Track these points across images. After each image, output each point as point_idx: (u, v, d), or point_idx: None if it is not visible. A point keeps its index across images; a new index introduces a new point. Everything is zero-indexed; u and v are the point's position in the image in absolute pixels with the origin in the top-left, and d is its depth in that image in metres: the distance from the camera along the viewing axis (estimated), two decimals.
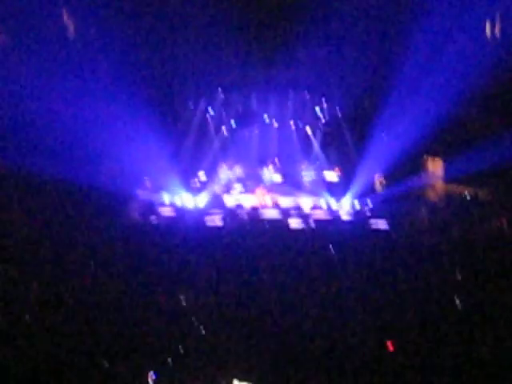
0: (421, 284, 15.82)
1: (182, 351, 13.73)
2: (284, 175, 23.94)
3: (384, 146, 21.47)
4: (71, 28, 20.90)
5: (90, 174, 20.13)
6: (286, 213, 21.78)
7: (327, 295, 15.66)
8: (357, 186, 22.30)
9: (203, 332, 14.50)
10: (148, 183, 22.68)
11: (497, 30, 19.61)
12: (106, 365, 12.93)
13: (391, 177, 22.05)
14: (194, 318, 14.81)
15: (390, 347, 13.35)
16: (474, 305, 14.51)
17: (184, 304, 15.60)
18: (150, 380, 12.98)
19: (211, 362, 13.45)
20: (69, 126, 19.89)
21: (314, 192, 23.11)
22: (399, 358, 13.02)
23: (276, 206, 22.54)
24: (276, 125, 24.38)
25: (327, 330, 13.96)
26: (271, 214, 21.95)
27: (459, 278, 16.10)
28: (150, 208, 21.88)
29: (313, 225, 20.94)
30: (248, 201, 22.84)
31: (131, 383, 12.81)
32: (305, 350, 13.53)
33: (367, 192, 22.19)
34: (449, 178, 21.28)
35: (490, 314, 13.89)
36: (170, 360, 13.44)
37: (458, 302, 14.75)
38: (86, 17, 20.62)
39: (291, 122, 24.37)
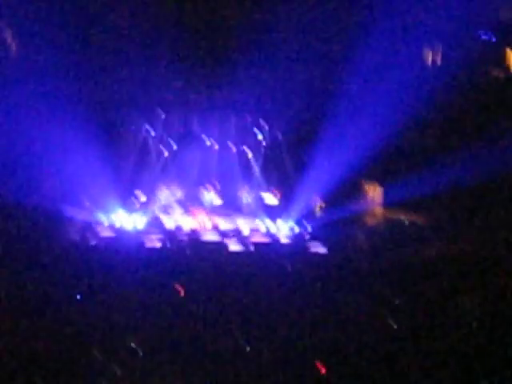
0: (359, 307, 15.95)
1: (119, 373, 13.61)
2: (224, 197, 23.92)
3: (323, 170, 21.64)
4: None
5: (26, 193, 19.82)
6: (225, 235, 21.80)
7: (266, 318, 15.68)
8: (296, 209, 22.43)
9: (140, 354, 14.40)
10: (86, 203, 22.40)
11: (437, 57, 20.03)
12: None
13: (330, 201, 22.23)
14: (129, 340, 14.69)
15: (323, 369, 13.43)
16: (410, 328, 14.70)
17: (123, 326, 15.45)
18: None
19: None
20: (2, 145, 19.58)
21: (253, 214, 23.16)
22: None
23: (215, 228, 22.52)
24: (216, 147, 24.34)
25: (264, 353, 13.98)
26: (210, 236, 21.93)
27: (396, 301, 16.29)
28: (88, 228, 21.63)
29: (251, 248, 21.00)
30: (187, 223, 22.75)
31: None
32: (245, 375, 13.53)
33: (306, 215, 22.34)
34: (387, 203, 21.55)
35: (426, 335, 14.10)
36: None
37: (394, 325, 14.92)
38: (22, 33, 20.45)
39: (231, 144, 24.37)
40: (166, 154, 24.36)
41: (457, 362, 13.11)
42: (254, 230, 22.26)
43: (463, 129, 19.80)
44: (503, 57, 19.44)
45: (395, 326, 14.84)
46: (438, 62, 20.07)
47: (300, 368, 13.45)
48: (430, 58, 20.26)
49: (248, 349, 14.31)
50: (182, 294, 16.81)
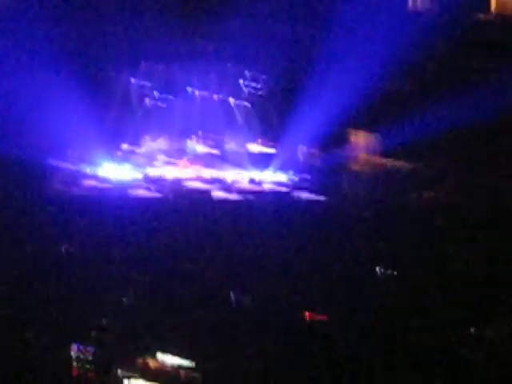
0: (343, 253, 16.09)
1: (105, 324, 13.69)
2: (207, 147, 23.84)
3: (308, 118, 21.59)
4: None
5: (12, 145, 19.71)
6: (209, 184, 21.78)
7: (250, 265, 15.78)
8: (280, 157, 22.40)
9: (127, 304, 14.47)
10: (71, 154, 22.29)
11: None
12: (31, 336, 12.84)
13: (314, 149, 22.22)
14: (117, 291, 14.76)
15: (308, 317, 13.57)
16: (397, 274, 14.86)
17: (108, 275, 15.51)
18: (72, 352, 12.94)
19: (136, 334, 13.46)
20: None
21: (237, 163, 23.11)
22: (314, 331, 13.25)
23: (199, 177, 22.49)
24: (200, 96, 24.17)
25: (249, 300, 14.11)
26: (194, 185, 21.92)
27: (379, 247, 16.46)
28: (73, 179, 21.55)
29: (236, 195, 21.03)
30: (171, 172, 22.70)
31: (54, 355, 12.75)
32: (227, 323, 13.64)
33: (290, 164, 22.34)
34: (372, 150, 21.58)
35: (413, 282, 14.27)
36: (93, 332, 13.41)
37: (379, 270, 15.06)
38: None
39: (215, 94, 24.21)
40: (150, 103, 24.18)
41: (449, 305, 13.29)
42: (241, 180, 22.24)
43: (448, 75, 19.76)
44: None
45: (380, 271, 15.00)
46: (424, 6, 19.92)
47: (287, 316, 13.61)
48: (411, 4, 20.10)
49: (233, 297, 14.44)
50: (166, 242, 16.89)
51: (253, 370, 12.54)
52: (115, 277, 15.55)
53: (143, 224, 18.09)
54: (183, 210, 19.37)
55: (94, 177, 22.06)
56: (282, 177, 22.19)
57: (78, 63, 21.99)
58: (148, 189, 21.36)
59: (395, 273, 14.84)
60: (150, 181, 22.13)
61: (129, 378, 13.07)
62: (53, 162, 21.13)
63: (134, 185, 21.47)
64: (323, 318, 13.46)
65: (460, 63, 19.76)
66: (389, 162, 20.97)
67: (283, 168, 22.27)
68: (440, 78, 20.00)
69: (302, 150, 22.78)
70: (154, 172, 22.73)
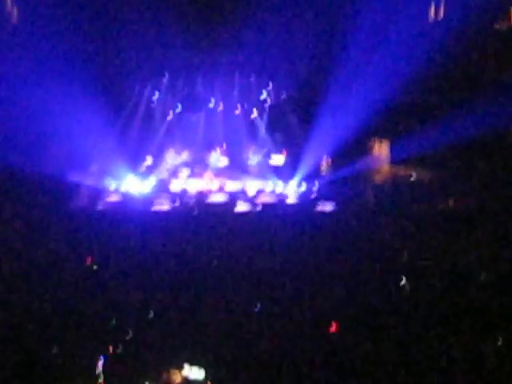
0: (367, 265, 16.02)
1: (131, 336, 13.72)
2: (231, 159, 23.89)
3: (331, 129, 21.60)
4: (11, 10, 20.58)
5: (36, 160, 19.87)
6: (232, 197, 21.81)
7: (274, 279, 15.75)
8: (303, 169, 22.40)
9: (152, 317, 14.50)
10: (94, 169, 22.44)
11: (440, 11, 19.83)
12: (56, 350, 12.88)
13: (338, 160, 22.21)
14: (142, 305, 14.79)
15: (334, 328, 13.50)
16: (419, 285, 14.75)
17: (133, 289, 15.55)
18: (99, 364, 12.96)
19: (162, 346, 13.47)
20: (12, 112, 19.63)
21: (260, 176, 23.16)
22: (342, 341, 13.16)
23: (223, 190, 22.53)
24: (223, 109, 24.27)
25: (273, 313, 14.07)
26: (218, 198, 21.96)
27: (405, 259, 16.35)
28: (97, 194, 21.67)
29: (259, 208, 21.03)
30: (195, 185, 22.78)
31: (80, 368, 12.78)
32: (253, 335, 13.61)
33: (314, 175, 22.33)
34: (395, 160, 21.53)
35: (434, 295, 14.15)
36: (119, 345, 13.44)
37: (404, 282, 14.97)
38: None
39: (238, 106, 24.30)
40: (172, 116, 24.30)
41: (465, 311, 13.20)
42: (261, 191, 22.25)
43: (468, 84, 19.67)
44: (507, 10, 19.21)
45: (402, 282, 14.91)
46: (442, 15, 19.84)
47: (309, 326, 13.54)
48: (433, 13, 20.03)
49: (256, 307, 14.40)
50: (190, 255, 16.92)
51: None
52: (139, 290, 15.57)
53: (166, 237, 18.15)
54: (207, 223, 19.41)
55: (117, 191, 22.18)
56: (304, 189, 22.17)
57: (101, 76, 22.16)
58: (171, 202, 21.44)
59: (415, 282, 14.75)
60: (172, 194, 22.20)
61: None
62: (77, 177, 21.25)
63: (157, 199, 21.54)
64: (335, 328, 13.39)
65: (480, 72, 19.63)
66: (410, 171, 20.91)
67: (307, 179, 22.27)
68: (461, 87, 19.89)
69: (323, 162, 22.78)
70: (178, 185, 22.82)
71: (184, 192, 22.38)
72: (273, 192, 22.24)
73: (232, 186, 22.59)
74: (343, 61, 20.83)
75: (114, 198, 21.77)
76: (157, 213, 20.79)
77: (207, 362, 13.01)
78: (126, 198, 21.84)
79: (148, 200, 21.47)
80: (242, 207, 20.99)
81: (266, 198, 21.73)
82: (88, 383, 12.83)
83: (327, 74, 21.40)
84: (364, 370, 12.34)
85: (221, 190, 22.50)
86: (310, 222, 18.76)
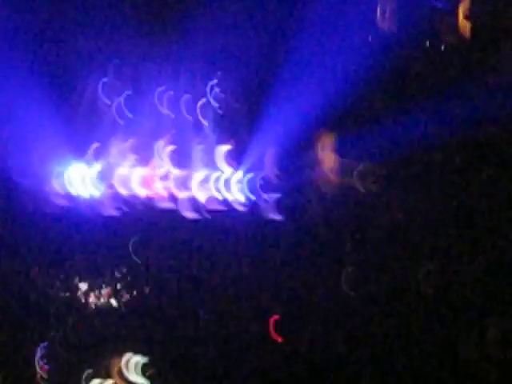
0: (317, 273, 16.10)
1: (74, 327, 13.66)
2: (177, 148, 23.76)
3: (278, 120, 21.62)
4: None
5: None
6: (180, 204, 21.73)
7: (222, 286, 15.76)
8: (250, 159, 22.39)
9: (100, 326, 14.47)
10: (38, 156, 22.10)
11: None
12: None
13: (285, 151, 22.25)
14: (89, 312, 14.72)
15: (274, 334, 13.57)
16: (367, 294, 14.88)
17: (80, 296, 15.47)
18: (39, 353, 12.89)
19: (104, 337, 13.44)
20: None
21: (207, 165, 23.09)
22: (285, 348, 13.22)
23: (170, 197, 22.39)
24: (170, 96, 24.10)
25: (220, 321, 14.08)
26: (165, 205, 21.88)
27: (352, 268, 16.47)
28: (42, 196, 21.27)
29: (206, 215, 20.98)
30: (141, 191, 22.60)
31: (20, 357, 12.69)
32: (198, 344, 13.63)
33: (260, 166, 22.34)
34: (341, 169, 21.57)
35: (380, 302, 14.29)
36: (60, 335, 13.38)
37: (350, 291, 15.08)
38: None
39: (185, 94, 24.14)
40: (118, 103, 24.05)
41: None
42: (210, 199, 22.18)
43: (415, 85, 19.86)
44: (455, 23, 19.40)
45: (351, 292, 15.04)
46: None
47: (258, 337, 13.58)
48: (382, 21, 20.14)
49: (204, 316, 14.43)
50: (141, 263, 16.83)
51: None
52: (88, 296, 15.50)
53: (115, 244, 18.02)
54: (155, 229, 19.31)
55: (65, 195, 21.82)
56: (250, 196, 22.10)
57: (47, 62, 21.82)
58: (120, 207, 21.27)
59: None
60: (121, 199, 21.97)
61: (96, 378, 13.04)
62: (18, 174, 20.81)
63: (105, 202, 21.32)
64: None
65: (427, 73, 19.84)
66: (356, 182, 20.97)
67: (253, 170, 22.27)
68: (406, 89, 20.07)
69: (271, 152, 22.78)
70: (123, 172, 22.62)
71: (132, 198, 22.19)
72: (222, 200, 22.17)
73: (180, 193, 22.44)
74: (294, 51, 20.85)
75: (61, 202, 21.45)
76: (105, 218, 20.54)
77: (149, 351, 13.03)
78: (74, 202, 21.53)
79: (96, 205, 21.22)
80: (190, 214, 20.93)
81: (214, 205, 21.71)
82: (28, 370, 12.77)
83: (277, 65, 21.41)
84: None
85: (171, 196, 22.37)
86: (259, 230, 18.74)
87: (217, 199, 22.03)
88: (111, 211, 20.57)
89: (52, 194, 21.33)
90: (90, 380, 12.89)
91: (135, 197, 22.17)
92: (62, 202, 21.02)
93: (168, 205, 21.62)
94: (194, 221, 20.29)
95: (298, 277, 15.62)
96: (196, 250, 17.31)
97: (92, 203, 20.98)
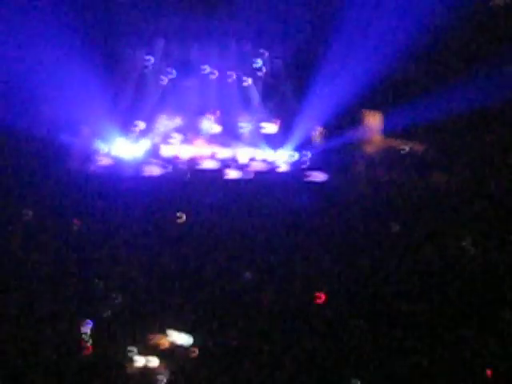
0: (357, 237, 15.98)
1: (119, 301, 13.69)
2: (223, 127, 23.78)
3: (324, 99, 21.48)
4: None
5: (24, 121, 19.67)
6: (224, 163, 21.74)
7: (262, 246, 15.71)
8: (296, 138, 22.34)
9: (140, 283, 14.47)
10: (85, 132, 22.27)
11: None
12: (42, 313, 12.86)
13: (331, 130, 22.13)
14: (129, 271, 14.74)
15: (321, 299, 13.46)
16: (409, 259, 14.72)
17: (120, 256, 15.50)
18: (85, 329, 12.94)
19: (146, 312, 13.45)
20: None
21: (252, 143, 23.10)
22: (330, 313, 13.12)
23: (214, 156, 22.46)
24: (216, 75, 24.07)
25: (261, 283, 14.04)
26: (209, 164, 21.87)
27: (396, 230, 16.33)
28: (88, 157, 21.54)
29: (250, 175, 20.96)
30: (187, 151, 22.69)
31: (66, 334, 12.74)
32: (242, 303, 13.58)
33: (306, 144, 22.27)
34: (388, 132, 21.45)
35: (423, 267, 14.11)
36: (107, 309, 13.42)
37: (394, 255, 14.94)
38: None
39: (232, 73, 24.11)
40: (165, 82, 24.10)
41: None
42: (252, 159, 22.18)
43: (464, 56, 19.54)
44: None
45: (393, 256, 14.89)
46: None
47: (300, 299, 13.50)
48: None
49: (247, 277, 14.39)
50: (182, 221, 16.87)
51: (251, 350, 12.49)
52: (126, 255, 15.51)
53: (157, 203, 18.09)
54: (198, 188, 19.37)
55: (108, 154, 22.04)
56: (295, 157, 22.10)
57: (93, 38, 21.91)
58: (163, 167, 21.34)
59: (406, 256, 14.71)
60: (165, 160, 22.10)
61: (137, 354, 13.06)
62: (67, 139, 21.09)
63: (148, 163, 21.42)
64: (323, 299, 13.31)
65: (472, 48, 19.50)
66: (402, 144, 20.83)
67: (298, 149, 22.21)
68: (456, 60, 19.75)
69: (315, 131, 22.69)
70: (169, 151, 22.72)
71: (176, 158, 22.28)
72: (264, 160, 22.17)
73: (224, 153, 22.53)
74: (338, 31, 20.65)
75: (105, 161, 21.63)
76: (148, 178, 20.69)
77: (195, 328, 13.01)
78: (117, 162, 21.72)
79: (140, 164, 21.36)
80: (233, 174, 20.93)
81: (257, 166, 21.67)
82: (74, 347, 12.82)
83: (322, 44, 21.28)
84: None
85: (213, 156, 22.43)
86: (301, 192, 18.75)
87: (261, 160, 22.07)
88: (156, 171, 20.67)
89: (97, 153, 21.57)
90: (133, 358, 12.88)
91: (178, 157, 22.25)
92: (107, 162, 21.21)
93: (212, 165, 21.67)
94: (237, 180, 20.32)
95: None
96: (239, 210, 17.30)
97: (136, 163, 21.08)
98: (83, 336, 13.06)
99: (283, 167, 21.74)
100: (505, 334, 12.47)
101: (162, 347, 13.36)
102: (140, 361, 12.99)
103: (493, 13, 19.29)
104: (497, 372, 11.76)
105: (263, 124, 23.58)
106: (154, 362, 13.06)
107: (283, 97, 23.59)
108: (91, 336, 13.03)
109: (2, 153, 19.58)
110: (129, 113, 23.29)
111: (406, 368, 12.04)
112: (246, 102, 24.10)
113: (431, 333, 12.61)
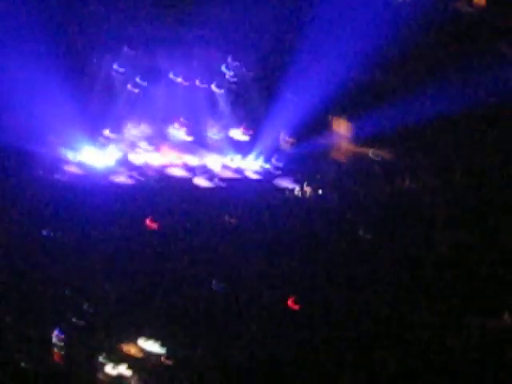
0: (325, 241, 16.06)
1: (89, 310, 13.62)
2: (190, 133, 23.75)
3: (290, 106, 21.57)
4: None
5: None
6: (193, 171, 21.67)
7: (234, 253, 15.72)
8: (263, 144, 22.39)
9: (109, 290, 14.41)
10: (53, 140, 22.10)
11: None
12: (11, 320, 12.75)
13: (297, 136, 22.23)
14: (99, 277, 14.67)
15: (291, 304, 13.51)
16: (377, 264, 14.83)
17: (90, 264, 15.41)
18: (54, 338, 12.86)
19: (119, 320, 13.41)
20: None
21: (220, 150, 23.10)
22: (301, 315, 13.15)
23: (183, 164, 22.40)
24: (183, 83, 24.05)
25: (231, 286, 14.03)
26: (178, 172, 21.80)
27: (361, 233, 16.47)
28: (55, 166, 21.37)
29: (220, 183, 20.91)
30: (154, 159, 22.62)
31: (36, 341, 12.66)
32: (211, 311, 13.57)
33: (275, 151, 22.33)
34: (354, 138, 21.59)
35: (387, 266, 14.23)
36: (75, 319, 13.34)
37: (363, 259, 15.04)
38: None
39: (198, 80, 24.11)
40: (133, 90, 24.02)
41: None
42: (223, 167, 22.14)
43: (428, 63, 19.81)
44: None
45: (362, 258, 15.00)
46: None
47: (272, 304, 13.52)
48: None
49: (217, 285, 14.37)
50: (152, 228, 16.83)
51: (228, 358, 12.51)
52: (97, 264, 15.44)
53: (127, 211, 18.03)
54: (167, 196, 19.32)
55: (77, 163, 21.87)
56: (263, 164, 22.13)
57: (60, 49, 21.80)
58: (130, 176, 21.22)
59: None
60: (132, 167, 21.98)
61: (110, 363, 13.01)
62: (34, 148, 20.89)
63: (116, 171, 21.28)
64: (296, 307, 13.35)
65: (440, 53, 19.78)
66: (368, 151, 20.99)
67: (265, 155, 22.26)
68: (423, 67, 20.01)
69: (283, 138, 22.76)
70: (135, 158, 22.63)
71: (145, 166, 22.19)
72: (233, 168, 22.14)
73: (192, 160, 22.48)
74: (305, 37, 20.78)
75: (73, 169, 21.46)
76: (116, 185, 20.56)
77: (165, 336, 13.00)
78: (86, 170, 21.55)
79: (106, 172, 21.22)
80: (203, 182, 20.86)
81: (227, 174, 21.64)
82: (44, 354, 12.75)
83: (288, 51, 21.39)
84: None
85: (182, 164, 22.36)
86: (270, 199, 18.80)
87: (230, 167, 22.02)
88: (124, 179, 20.51)
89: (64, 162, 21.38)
90: (104, 364, 12.83)
91: (148, 165, 22.15)
92: (75, 170, 21.01)
93: (181, 173, 21.58)
94: (207, 189, 20.24)
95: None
96: (209, 218, 17.28)
97: (105, 171, 20.91)
98: (55, 344, 12.98)
99: (253, 175, 21.72)
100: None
101: (133, 356, 13.32)
102: (111, 369, 12.92)
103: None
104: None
105: (232, 131, 23.62)
106: (125, 370, 13.02)
107: (252, 104, 23.64)
108: (61, 345, 12.95)
109: None
110: (96, 121, 23.18)
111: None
112: (214, 110, 24.13)
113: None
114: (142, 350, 13.31)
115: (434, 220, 16.16)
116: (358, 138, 21.20)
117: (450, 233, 15.21)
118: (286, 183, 20.38)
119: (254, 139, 22.71)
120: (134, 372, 12.88)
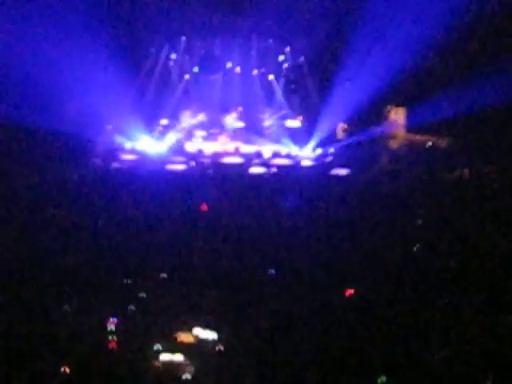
0: (380, 230, 15.92)
1: (144, 297, 13.74)
2: (247, 122, 23.86)
3: (348, 95, 21.47)
4: None
5: (52, 119, 19.81)
6: (248, 159, 21.77)
7: (286, 240, 15.68)
8: (319, 133, 22.35)
9: (165, 278, 14.50)
10: (110, 129, 22.42)
11: None
12: (68, 310, 12.94)
13: (354, 125, 22.13)
14: (154, 265, 14.76)
15: (349, 293, 13.43)
16: (432, 251, 14.64)
17: (146, 249, 15.53)
18: (109, 325, 13.01)
19: (173, 309, 13.50)
20: (28, 71, 19.56)
21: (276, 139, 23.14)
22: (352, 306, 13.08)
23: (238, 152, 22.50)
24: (240, 71, 24.17)
25: (285, 276, 14.00)
26: (233, 160, 21.92)
27: (419, 223, 16.29)
28: (112, 153, 21.66)
29: (273, 170, 20.93)
30: (210, 147, 22.78)
31: (91, 330, 12.83)
32: (267, 299, 13.59)
33: (329, 140, 22.26)
34: (411, 127, 21.41)
35: (446, 259, 14.02)
36: (131, 306, 13.48)
37: (416, 248, 14.86)
38: None
39: (255, 69, 24.19)
40: (189, 77, 24.22)
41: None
42: (276, 155, 22.18)
43: (486, 51, 19.48)
44: None
45: (415, 249, 14.80)
46: None
47: (324, 290, 13.47)
48: None
49: (270, 270, 14.35)
50: (205, 214, 16.93)
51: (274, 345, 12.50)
52: (152, 252, 15.55)
53: (180, 197, 18.15)
54: (221, 184, 19.38)
55: (132, 150, 22.15)
56: (319, 153, 22.09)
57: (118, 38, 22.06)
58: (187, 163, 21.40)
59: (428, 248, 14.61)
60: (188, 156, 22.16)
61: (164, 352, 13.12)
62: (92, 137, 21.22)
63: (172, 160, 21.49)
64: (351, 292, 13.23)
65: (502, 41, 19.40)
66: (426, 139, 20.79)
67: (322, 145, 22.21)
68: (480, 54, 19.68)
69: (341, 126, 22.69)
70: (191, 146, 22.82)
71: (200, 152, 22.36)
72: (288, 155, 22.16)
73: (247, 149, 22.59)
74: (362, 26, 20.63)
75: (129, 157, 21.74)
76: (172, 172, 20.72)
77: (219, 325, 13.04)
78: (142, 157, 21.81)
79: (164, 159, 21.43)
80: (256, 169, 20.92)
81: (281, 162, 21.68)
82: (99, 343, 12.89)
83: (345, 39, 21.28)
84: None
85: (236, 152, 22.47)
86: (323, 186, 18.73)
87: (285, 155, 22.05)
88: (180, 167, 20.68)
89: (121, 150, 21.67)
90: (159, 352, 12.94)
91: (202, 152, 22.29)
92: (132, 158, 21.27)
93: (237, 161, 21.66)
94: (260, 175, 20.25)
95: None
96: (262, 204, 17.30)
97: (161, 160, 21.10)
98: (109, 332, 13.13)
99: (308, 163, 21.69)
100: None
101: (187, 343, 13.43)
102: (165, 357, 13.06)
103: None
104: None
105: (288, 120, 23.64)
106: (179, 357, 13.13)
107: (306, 93, 23.62)
108: (116, 332, 13.10)
109: (26, 149, 19.80)
110: (152, 109, 23.45)
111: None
112: (268, 98, 24.19)
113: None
114: (196, 337, 13.40)
115: (494, 211, 15.88)
116: (415, 127, 21.00)
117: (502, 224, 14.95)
118: (341, 172, 20.30)
119: (310, 128, 22.71)
120: (188, 360, 12.99)
